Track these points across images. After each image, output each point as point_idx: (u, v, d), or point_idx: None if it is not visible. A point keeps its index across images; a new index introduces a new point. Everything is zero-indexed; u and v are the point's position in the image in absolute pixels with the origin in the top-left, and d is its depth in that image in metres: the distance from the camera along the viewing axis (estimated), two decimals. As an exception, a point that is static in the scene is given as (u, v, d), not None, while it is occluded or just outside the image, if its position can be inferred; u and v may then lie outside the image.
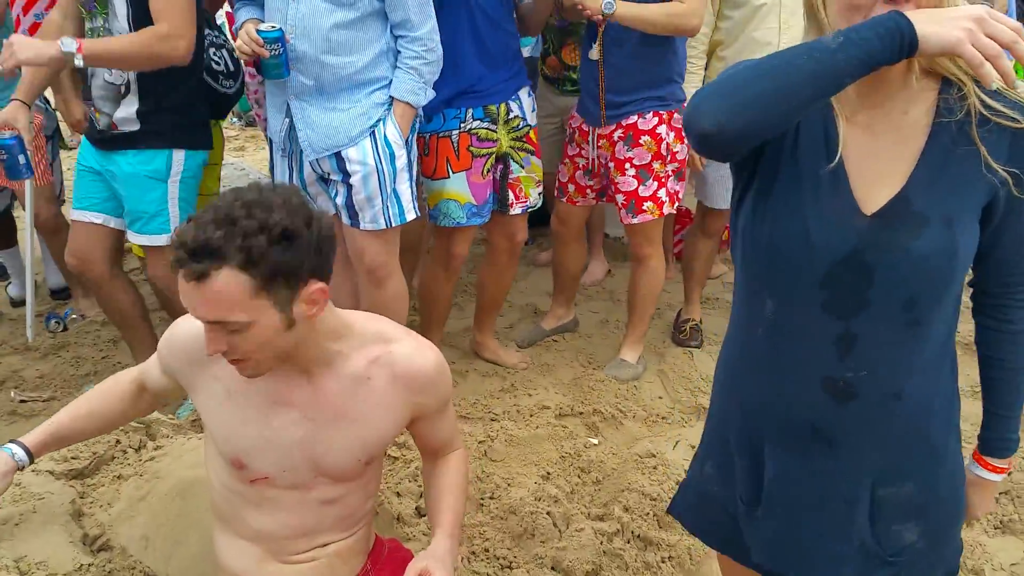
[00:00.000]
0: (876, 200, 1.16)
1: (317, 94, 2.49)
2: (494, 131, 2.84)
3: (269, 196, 1.22)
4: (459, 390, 3.06)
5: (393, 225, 2.65)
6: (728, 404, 1.36)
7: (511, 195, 2.96)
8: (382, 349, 1.41)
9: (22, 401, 2.98)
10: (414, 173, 2.71)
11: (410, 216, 2.68)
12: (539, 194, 3.04)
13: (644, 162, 2.91)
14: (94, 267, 2.76)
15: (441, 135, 2.81)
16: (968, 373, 1.62)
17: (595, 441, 2.76)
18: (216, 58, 3.00)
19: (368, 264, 2.71)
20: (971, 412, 1.39)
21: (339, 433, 1.41)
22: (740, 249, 1.27)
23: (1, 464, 1.53)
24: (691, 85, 3.02)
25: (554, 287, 3.56)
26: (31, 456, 1.57)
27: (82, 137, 2.85)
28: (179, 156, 2.65)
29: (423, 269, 3.25)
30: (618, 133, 2.91)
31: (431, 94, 2.60)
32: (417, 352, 1.44)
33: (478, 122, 2.81)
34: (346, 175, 2.55)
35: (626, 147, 2.90)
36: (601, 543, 2.21)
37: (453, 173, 2.83)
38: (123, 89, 2.59)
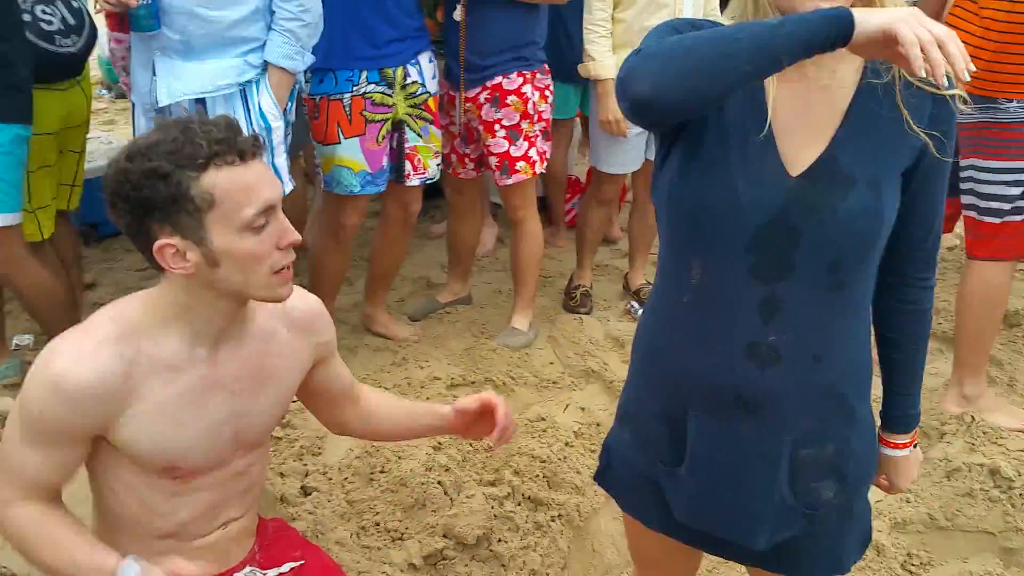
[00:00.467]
0: (803, 160, 1.17)
1: (185, 50, 2.37)
2: (390, 96, 2.78)
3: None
4: (349, 366, 3.03)
5: None
6: (650, 370, 1.36)
7: (408, 165, 2.92)
8: None
9: None
10: (289, 142, 2.64)
11: (288, 188, 2.61)
12: (438, 165, 3.02)
13: (513, 122, 2.95)
14: None
15: (332, 98, 2.73)
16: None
17: (486, 409, 2.81)
18: (46, 16, 2.77)
19: None
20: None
21: (263, 396, 1.39)
22: (665, 213, 1.25)
23: None
24: (601, 48, 3.05)
25: (450, 261, 3.56)
26: None
27: None
28: None
29: (313, 239, 3.20)
30: (484, 95, 2.93)
31: (309, 59, 2.51)
32: (302, 295, 1.45)
33: (373, 86, 2.75)
34: None
35: (493, 108, 2.93)
36: (492, 507, 2.27)
37: (345, 139, 2.77)
38: None
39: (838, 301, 1.21)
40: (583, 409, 2.84)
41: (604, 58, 3.07)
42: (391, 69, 2.76)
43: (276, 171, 2.55)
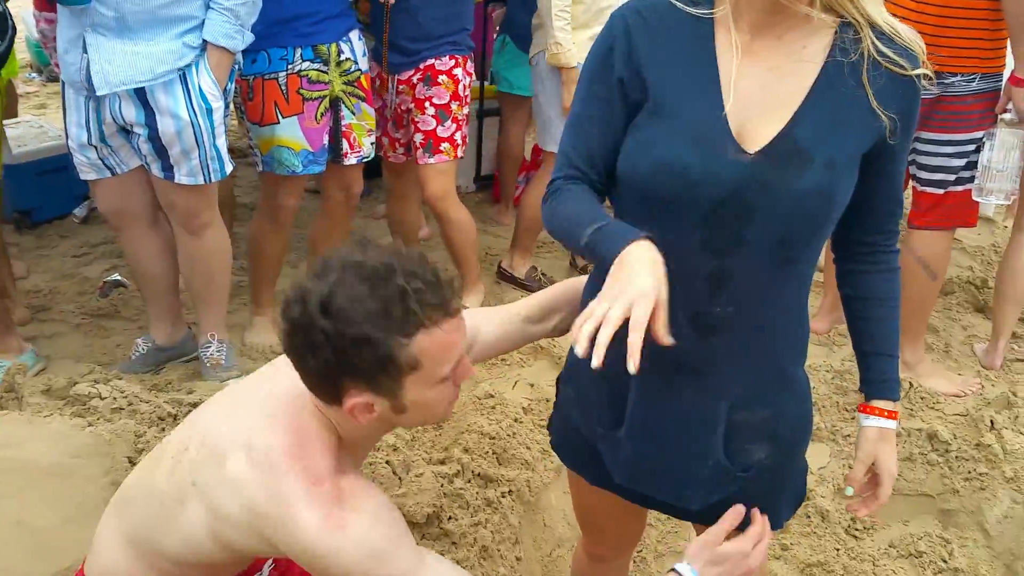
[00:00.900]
0: (762, 136, 1.16)
1: (118, 28, 2.27)
2: (325, 73, 2.73)
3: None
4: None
5: (213, 181, 2.53)
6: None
7: (345, 144, 2.88)
8: None
9: None
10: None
11: (229, 169, 2.57)
12: (372, 144, 2.98)
13: (443, 101, 2.96)
14: None
15: (267, 77, 2.67)
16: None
17: (433, 388, 2.79)
18: None
19: (183, 215, 2.57)
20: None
21: None
22: (618, 188, 1.25)
23: None
24: (569, 35, 3.03)
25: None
26: None
27: None
28: None
29: (251, 223, 3.13)
30: (416, 76, 2.95)
31: (249, 38, 2.45)
32: None
33: (308, 63, 2.69)
34: (154, 129, 2.38)
35: (425, 87, 2.95)
36: (442, 485, 2.25)
37: (283, 118, 2.70)
38: None
39: (785, 275, 1.21)
40: (532, 385, 2.82)
41: (571, 46, 3.06)
42: (325, 45, 2.71)
43: (217, 153, 2.48)
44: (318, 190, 3.49)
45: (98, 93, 2.33)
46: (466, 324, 1.21)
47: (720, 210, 1.15)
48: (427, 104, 2.95)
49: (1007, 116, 2.54)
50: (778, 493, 1.37)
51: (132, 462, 1.96)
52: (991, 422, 2.45)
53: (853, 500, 1.38)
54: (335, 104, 2.80)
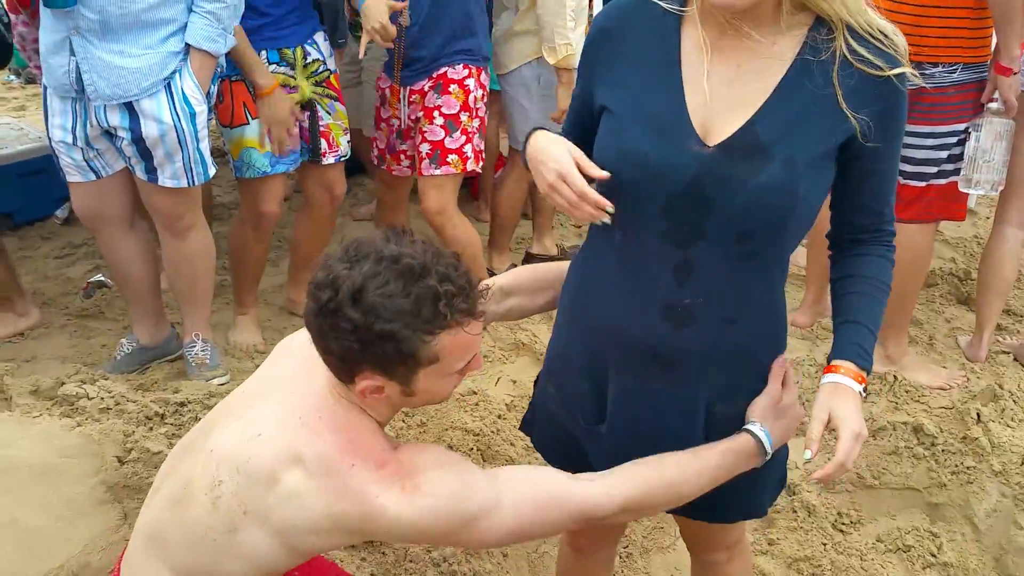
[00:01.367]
0: (723, 130, 1.17)
1: (102, 32, 2.27)
2: (292, 77, 2.74)
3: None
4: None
5: (197, 184, 2.53)
6: (573, 328, 1.39)
7: (324, 144, 2.87)
8: None
9: None
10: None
11: (212, 172, 2.57)
12: (347, 143, 2.97)
13: (452, 111, 2.90)
14: None
15: (235, 79, 2.66)
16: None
17: (419, 386, 2.79)
18: None
19: (167, 217, 2.57)
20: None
21: None
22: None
23: None
24: (571, 31, 3.02)
25: None
26: None
27: None
28: None
29: (232, 228, 3.11)
30: (428, 84, 2.90)
31: (232, 41, 2.45)
32: None
33: (274, 66, 2.69)
34: (137, 132, 2.38)
35: (436, 95, 2.89)
36: (428, 483, 2.25)
37: (252, 119, 2.71)
38: None
39: (751, 269, 1.23)
40: (514, 382, 2.83)
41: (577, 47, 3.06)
42: (290, 49, 2.72)
43: (201, 156, 2.48)
44: (300, 189, 3.48)
45: (93, 110, 2.36)
46: None
47: (679, 201, 1.18)
48: (436, 113, 2.88)
49: (993, 105, 2.53)
50: (760, 480, 1.38)
51: (121, 461, 1.95)
52: (977, 415, 2.46)
53: (811, 466, 1.39)
54: (311, 106, 2.80)
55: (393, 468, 1.19)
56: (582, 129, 1.32)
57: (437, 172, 2.93)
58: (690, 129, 1.18)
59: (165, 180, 2.47)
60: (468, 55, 2.90)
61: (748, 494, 1.39)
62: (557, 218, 3.97)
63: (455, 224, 3.03)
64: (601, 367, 1.33)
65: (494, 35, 3.22)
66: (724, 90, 1.18)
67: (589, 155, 1.23)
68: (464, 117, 2.92)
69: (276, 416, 1.25)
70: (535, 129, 1.29)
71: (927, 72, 2.47)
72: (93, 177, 2.53)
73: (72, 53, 2.31)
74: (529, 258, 3.70)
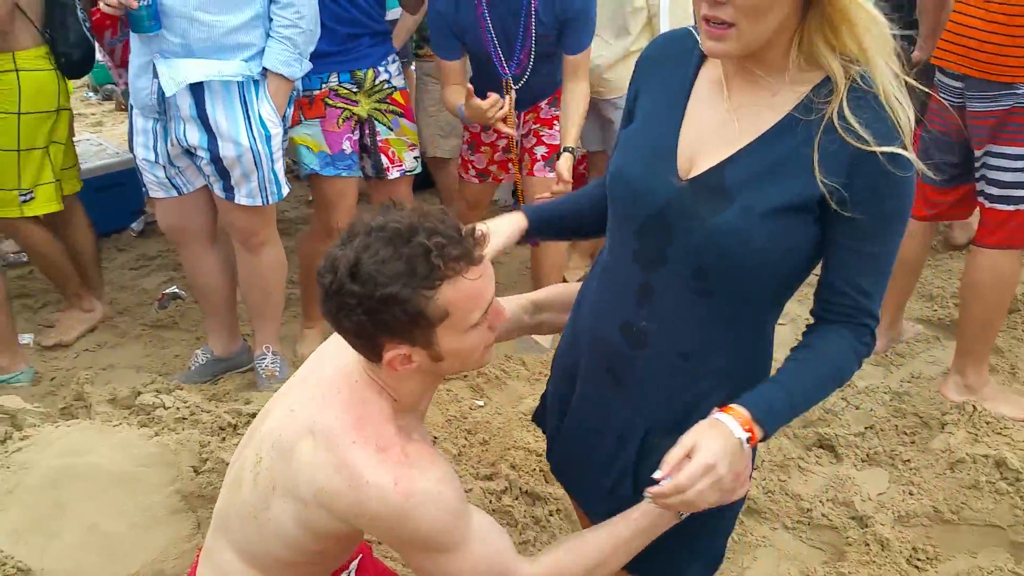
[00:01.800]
0: (700, 167, 1.18)
1: (183, 54, 2.36)
2: (355, 94, 2.80)
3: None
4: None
5: (270, 202, 2.60)
6: (567, 331, 1.47)
7: (384, 159, 2.92)
8: None
9: None
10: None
11: (285, 191, 2.65)
12: (415, 158, 3.01)
13: None
14: None
15: (301, 96, 2.74)
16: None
17: (480, 403, 2.79)
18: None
19: (242, 233, 2.65)
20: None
21: None
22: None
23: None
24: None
25: None
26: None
27: None
28: None
29: (303, 242, 3.16)
30: (543, 101, 2.96)
31: (307, 66, 2.53)
32: None
33: (342, 85, 2.77)
34: (215, 152, 2.45)
35: (552, 107, 2.96)
36: (490, 502, 2.24)
37: (305, 119, 2.77)
38: None
39: (708, 307, 1.21)
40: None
41: None
42: (362, 71, 2.79)
43: (275, 176, 2.56)
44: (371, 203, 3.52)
45: (167, 94, 2.40)
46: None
47: (648, 225, 1.22)
48: (555, 122, 2.96)
49: None
50: (683, 544, 1.32)
51: (197, 471, 1.99)
52: (1064, 449, 2.37)
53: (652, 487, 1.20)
54: (369, 123, 2.85)
55: (396, 456, 1.19)
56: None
57: (551, 175, 2.94)
58: (673, 160, 1.20)
59: (241, 198, 2.54)
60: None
61: (667, 559, 1.34)
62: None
63: None
64: (575, 372, 1.40)
65: (606, 59, 3.22)
66: (716, 128, 1.19)
67: None
68: None
69: (307, 394, 1.29)
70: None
71: (1019, 92, 2.40)
72: (175, 193, 2.62)
73: (155, 75, 2.40)
74: None
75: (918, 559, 2.25)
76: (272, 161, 2.52)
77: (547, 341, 3.18)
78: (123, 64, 2.90)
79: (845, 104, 1.10)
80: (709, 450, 1.11)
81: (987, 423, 2.55)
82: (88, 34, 2.98)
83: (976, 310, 2.65)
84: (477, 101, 2.51)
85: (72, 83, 3.18)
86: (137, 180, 2.64)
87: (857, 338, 1.20)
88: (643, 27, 3.13)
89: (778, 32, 1.10)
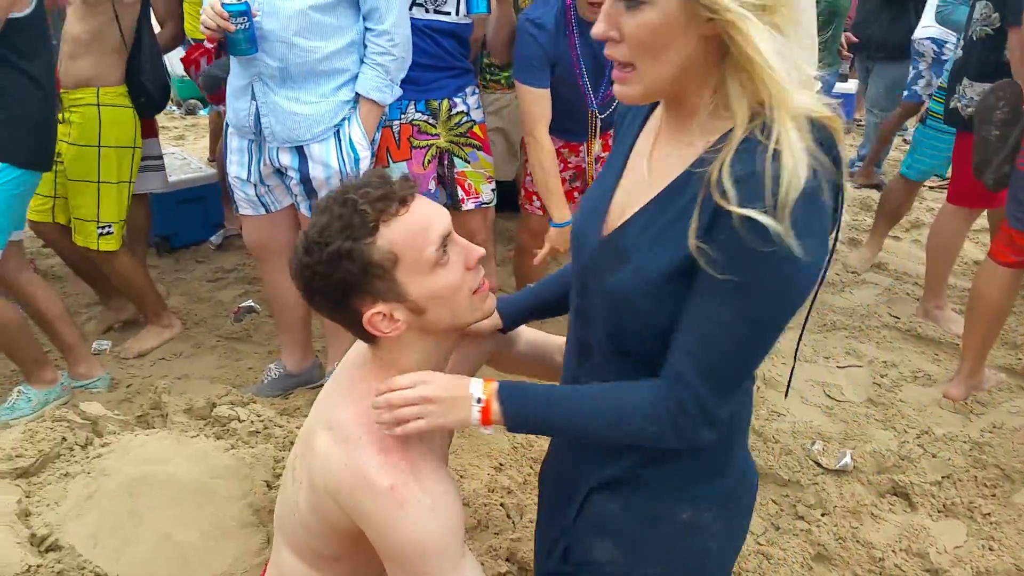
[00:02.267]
0: (613, 223, 1.12)
1: (282, 78, 2.45)
2: (434, 126, 2.85)
3: None
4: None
5: None
6: None
7: (460, 191, 2.96)
8: None
9: None
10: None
11: None
12: (492, 190, 3.04)
13: None
14: None
15: (383, 125, 2.80)
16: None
17: (548, 433, 2.78)
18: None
19: None
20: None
21: None
22: None
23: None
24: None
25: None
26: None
27: None
28: None
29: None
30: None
31: (398, 92, 2.59)
32: None
33: (419, 115, 2.82)
34: (305, 173, 2.53)
35: None
36: (555, 532, 2.22)
37: (393, 162, 2.83)
38: None
39: (631, 367, 1.11)
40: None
41: None
42: (436, 101, 2.84)
43: None
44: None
45: (266, 150, 2.53)
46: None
47: (579, 281, 1.18)
48: None
49: None
50: None
51: (269, 486, 2.02)
52: None
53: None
54: (446, 155, 2.89)
55: (398, 462, 1.18)
56: None
57: None
58: (604, 213, 1.14)
59: None
60: None
61: None
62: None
63: None
64: None
65: None
66: (640, 181, 1.11)
67: None
68: None
69: (330, 388, 1.33)
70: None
71: None
72: (263, 211, 2.69)
73: (253, 97, 2.48)
74: None
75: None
76: None
77: None
78: (214, 99, 3.03)
79: (729, 157, 0.97)
80: (427, 385, 1.14)
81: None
82: (167, 76, 3.12)
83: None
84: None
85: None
86: (217, 195, 2.74)
87: (667, 400, 1.04)
88: None
89: (688, 73, 1.00)
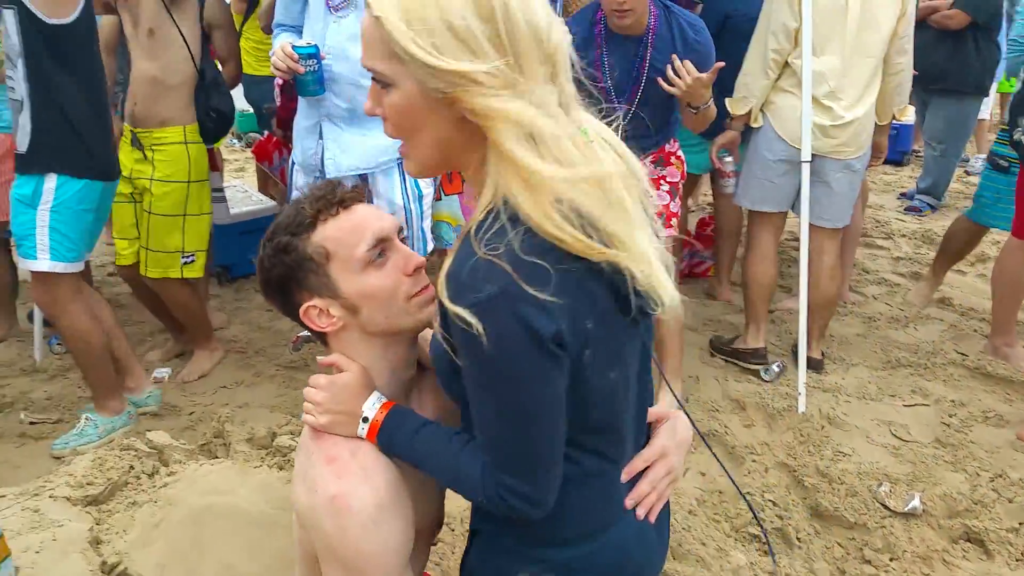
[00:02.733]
0: None
1: (350, 117, 2.51)
2: None
3: None
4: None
5: None
6: None
7: None
8: None
9: (31, 423, 2.96)
10: None
11: (430, 248, 2.76)
12: None
13: (675, 180, 3.02)
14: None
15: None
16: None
17: (605, 468, 2.75)
18: None
19: None
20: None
21: None
22: None
23: None
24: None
25: None
26: None
27: None
28: (51, 183, 2.57)
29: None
30: (650, 159, 3.01)
31: None
32: None
33: None
34: None
35: (659, 167, 3.01)
36: None
37: (445, 196, 2.88)
38: (20, 105, 2.58)
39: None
40: (703, 474, 2.73)
41: None
42: None
43: (423, 233, 2.68)
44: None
45: (328, 176, 2.57)
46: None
47: None
48: (661, 182, 3.01)
49: None
50: None
51: (331, 519, 2.03)
52: None
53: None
54: None
55: (341, 466, 1.17)
56: None
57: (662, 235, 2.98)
58: None
59: None
60: (673, 131, 3.03)
61: None
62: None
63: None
64: None
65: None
66: None
67: None
68: (681, 185, 3.06)
69: None
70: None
71: None
72: None
73: (320, 136, 2.54)
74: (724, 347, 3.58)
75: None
76: (422, 219, 2.64)
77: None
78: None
79: (457, 245, 1.00)
80: (335, 395, 1.19)
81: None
82: (232, 107, 3.24)
83: None
84: None
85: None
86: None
87: (484, 484, 1.06)
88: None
89: (452, 151, 1.02)
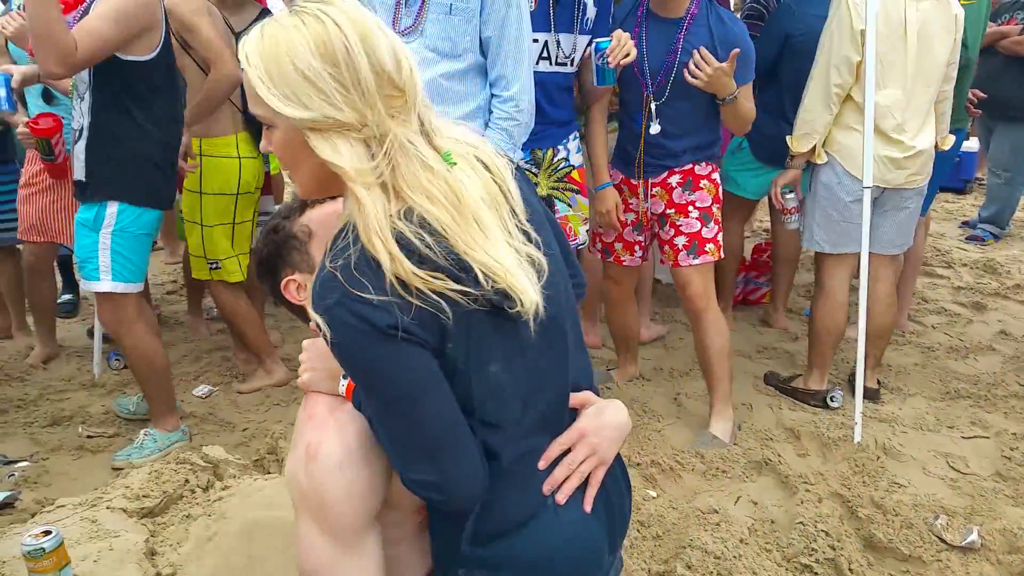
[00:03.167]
0: None
1: None
2: (535, 174, 2.90)
3: None
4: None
5: None
6: None
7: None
8: None
9: (89, 436, 3.04)
10: None
11: None
12: (587, 231, 3.10)
13: (706, 204, 2.97)
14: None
15: None
16: None
17: (653, 494, 2.72)
18: None
19: None
20: None
21: None
22: None
23: None
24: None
25: (616, 348, 3.53)
26: None
27: None
28: (112, 208, 2.66)
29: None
30: (676, 179, 2.95)
31: (519, 155, 2.65)
32: None
33: (523, 163, 2.86)
34: None
35: (686, 191, 2.96)
36: (662, 600, 2.16)
37: None
38: (79, 135, 2.68)
39: None
40: (755, 503, 2.68)
41: None
42: (541, 151, 2.90)
43: None
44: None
45: None
46: None
47: None
48: (690, 208, 2.97)
49: None
50: None
51: (379, 537, 2.04)
52: None
53: None
54: (548, 200, 2.94)
55: (319, 423, 1.23)
56: None
57: (696, 261, 2.98)
58: None
59: None
60: (710, 153, 2.99)
61: None
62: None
63: (718, 309, 3.08)
64: None
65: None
66: None
67: None
68: (715, 208, 3.01)
69: None
70: None
71: None
72: None
73: None
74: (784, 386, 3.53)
75: None
76: None
77: (727, 436, 3.08)
78: None
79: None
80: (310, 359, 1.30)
81: None
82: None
83: None
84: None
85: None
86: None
87: (405, 482, 1.16)
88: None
89: (330, 183, 1.12)
